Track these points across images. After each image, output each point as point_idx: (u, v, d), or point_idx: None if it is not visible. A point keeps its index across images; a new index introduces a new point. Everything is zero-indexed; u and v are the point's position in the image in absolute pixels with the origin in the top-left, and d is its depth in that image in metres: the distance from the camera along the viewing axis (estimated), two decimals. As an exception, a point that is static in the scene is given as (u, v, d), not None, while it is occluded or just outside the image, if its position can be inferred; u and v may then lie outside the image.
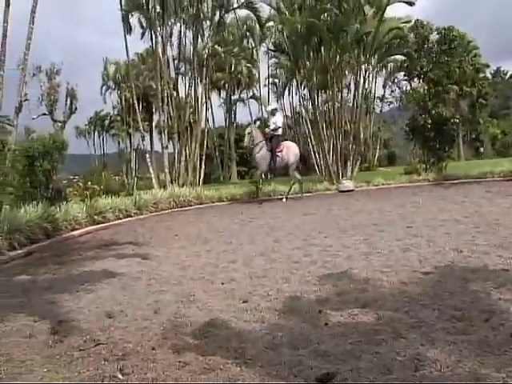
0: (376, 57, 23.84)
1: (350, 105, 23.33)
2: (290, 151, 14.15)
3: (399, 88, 37.51)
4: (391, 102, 39.21)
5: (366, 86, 23.87)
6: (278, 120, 14.19)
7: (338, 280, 4.63)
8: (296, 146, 15.00)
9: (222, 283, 4.83)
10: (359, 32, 19.36)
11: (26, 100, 8.87)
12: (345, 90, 24.60)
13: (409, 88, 25.28)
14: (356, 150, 21.09)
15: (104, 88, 46.05)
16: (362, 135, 22.26)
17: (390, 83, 38.37)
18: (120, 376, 2.75)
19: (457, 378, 2.49)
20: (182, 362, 2.89)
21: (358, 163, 21.79)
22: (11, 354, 3.16)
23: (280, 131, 14.23)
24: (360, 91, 21.44)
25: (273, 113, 14.67)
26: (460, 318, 3.33)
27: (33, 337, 3.51)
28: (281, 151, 13.82)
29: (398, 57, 28.18)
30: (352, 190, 16.29)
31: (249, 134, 13.66)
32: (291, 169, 14.38)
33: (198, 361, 2.90)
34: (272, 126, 13.95)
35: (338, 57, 20.29)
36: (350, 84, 27.97)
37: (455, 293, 3.90)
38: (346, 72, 24.52)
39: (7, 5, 8.70)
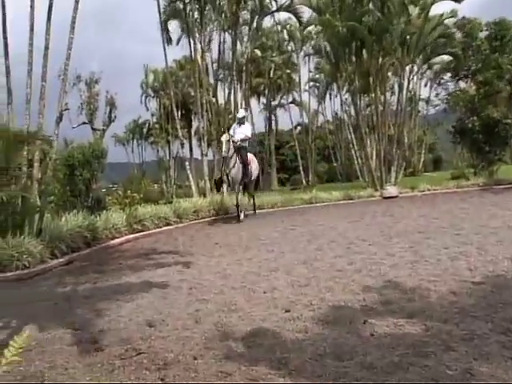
0: (421, 57, 23.40)
1: (394, 108, 22.96)
2: (253, 164, 13.13)
3: (445, 89, 36.69)
4: (437, 105, 38.31)
5: (410, 88, 23.46)
6: (247, 129, 12.90)
7: (383, 289, 4.57)
8: (256, 160, 13.78)
9: (264, 292, 4.84)
10: (403, 33, 19.05)
11: (66, 109, 9.15)
12: (388, 93, 24.25)
13: (456, 89, 24.62)
14: (400, 155, 20.70)
15: (143, 96, 47.07)
16: (406, 139, 21.83)
17: (436, 85, 37.55)
18: None
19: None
20: (224, 373, 2.91)
21: (402, 168, 21.36)
22: (54, 361, 3.26)
23: (247, 143, 12.98)
24: (404, 94, 21.06)
25: (241, 121, 12.92)
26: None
27: (75, 345, 3.60)
28: (249, 164, 12.63)
29: (445, 57, 27.54)
30: (396, 196, 16.03)
31: (228, 141, 11.89)
32: (252, 184, 13.48)
33: (240, 371, 2.92)
34: (241, 136, 12.42)
35: (380, 59, 20.03)
36: (393, 87, 27.59)
37: (510, 304, 3.77)
38: (389, 74, 24.18)
39: (49, 18, 9.06)
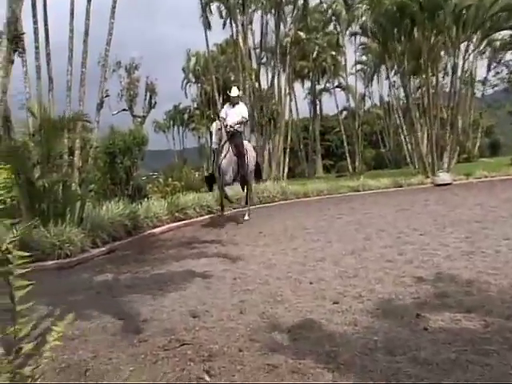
0: (478, 34, 22.42)
1: (447, 90, 22.21)
2: (250, 154, 11.02)
3: (507, 67, 35.11)
4: (495, 85, 36.80)
5: (466, 67, 22.56)
6: (243, 110, 10.74)
7: (437, 281, 4.43)
8: (252, 147, 11.66)
9: (311, 283, 4.79)
10: (458, 7, 18.27)
11: (107, 96, 9.30)
12: (440, 74, 23.46)
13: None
14: (454, 140, 20.05)
15: (185, 81, 47.43)
16: (460, 123, 21.11)
17: (495, 63, 36.07)
18: (207, 378, 2.79)
19: None
20: (270, 365, 2.88)
21: (455, 154, 20.72)
22: (98, 351, 3.32)
23: (242, 127, 10.92)
24: (458, 74, 20.31)
25: (235, 101, 10.72)
26: None
27: (118, 335, 3.66)
28: (245, 154, 10.60)
29: (507, 32, 26.30)
30: (449, 184, 15.57)
31: (219, 130, 9.90)
32: (251, 177, 11.24)
33: (287, 364, 2.88)
34: (236, 119, 10.34)
35: (432, 38, 19.37)
36: (446, 67, 26.68)
37: None
38: (442, 54, 23.37)
39: (88, 2, 9.20)
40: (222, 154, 9.90)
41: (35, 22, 9.14)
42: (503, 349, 2.87)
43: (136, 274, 5.96)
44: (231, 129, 10.17)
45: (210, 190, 11.26)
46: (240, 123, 10.49)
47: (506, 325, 3.23)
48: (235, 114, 10.44)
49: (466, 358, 2.78)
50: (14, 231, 1.66)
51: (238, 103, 10.73)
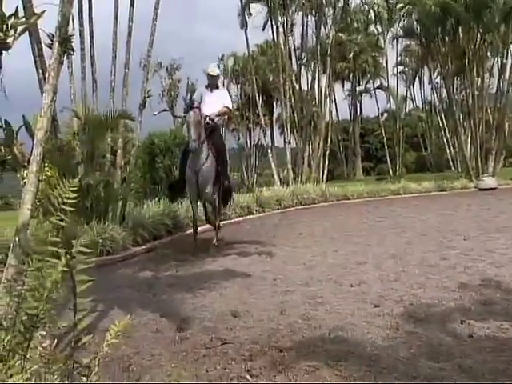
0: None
1: (493, 91, 21.56)
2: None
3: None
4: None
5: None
6: (225, 97, 7.93)
7: (482, 288, 4.32)
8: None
9: (352, 285, 4.75)
10: (507, 4, 17.68)
11: (149, 96, 9.48)
12: (486, 75, 22.80)
13: None
14: (500, 143, 19.44)
15: (222, 82, 47.74)
16: (507, 125, 20.48)
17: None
18: (248, 377, 2.80)
19: None
20: (311, 367, 2.88)
21: (501, 158, 20.09)
22: (140, 347, 3.39)
23: (222, 120, 8.38)
24: (506, 75, 19.67)
25: (214, 84, 7.79)
26: None
27: (159, 332, 3.72)
28: (227, 159, 8.37)
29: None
30: (494, 188, 15.14)
31: (199, 123, 7.08)
32: (232, 191, 8.99)
33: (328, 366, 2.87)
34: (217, 109, 7.55)
35: (478, 38, 18.85)
36: (492, 68, 25.91)
37: None
38: (488, 54, 22.71)
39: (132, 4, 9.40)
40: (202, 156, 7.11)
41: (81, 25, 9.41)
42: (553, 359, 2.78)
43: (176, 273, 6.05)
44: (211, 122, 7.41)
45: (172, 201, 8.87)
46: (222, 114, 7.85)
47: (556, 334, 3.13)
48: (215, 102, 7.61)
49: (514, 368, 2.70)
50: (89, 231, 1.74)
51: (217, 87, 7.91)
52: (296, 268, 5.77)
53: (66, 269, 1.53)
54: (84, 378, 1.56)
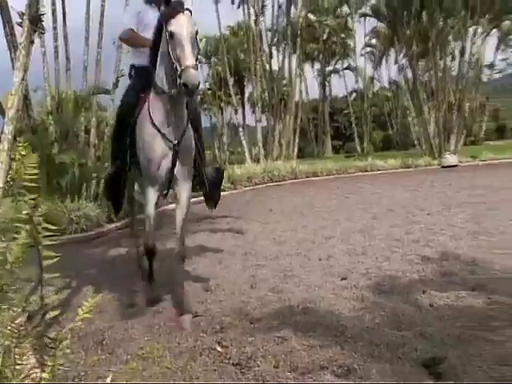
0: (487, 18, 21.91)
1: (455, 73, 21.82)
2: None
3: (514, 53, 34.37)
4: (503, 69, 36.10)
5: (474, 51, 22.13)
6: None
7: (442, 260, 4.41)
8: None
9: (320, 259, 4.79)
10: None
11: (122, 76, 9.33)
12: (448, 58, 23.02)
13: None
14: (461, 123, 19.78)
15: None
16: (467, 106, 20.81)
17: (504, 47, 35.28)
18: (219, 349, 2.80)
19: None
20: (280, 338, 2.89)
21: (462, 137, 20.46)
22: (113, 322, 3.35)
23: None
24: (466, 58, 19.94)
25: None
26: None
27: (133, 307, 3.69)
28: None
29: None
30: (456, 166, 15.43)
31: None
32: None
33: (297, 337, 2.88)
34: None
35: (441, 22, 18.98)
36: (453, 51, 26.18)
37: None
38: (450, 38, 22.89)
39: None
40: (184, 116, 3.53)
41: (53, 4, 9.10)
42: (506, 325, 2.85)
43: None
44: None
45: (116, 206, 4.75)
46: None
47: (510, 302, 3.21)
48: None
49: (470, 334, 2.77)
50: (42, 206, 1.68)
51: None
52: (266, 243, 5.79)
53: (27, 243, 1.48)
54: (53, 351, 1.52)
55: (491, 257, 4.36)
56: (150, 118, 3.48)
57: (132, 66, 4.05)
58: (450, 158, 16.10)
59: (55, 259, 1.59)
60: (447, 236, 5.40)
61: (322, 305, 3.43)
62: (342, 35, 39.32)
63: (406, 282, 3.90)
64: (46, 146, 7.80)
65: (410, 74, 22.29)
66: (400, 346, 2.68)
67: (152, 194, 3.79)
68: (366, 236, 5.78)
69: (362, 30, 37.40)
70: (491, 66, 37.27)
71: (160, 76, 3.43)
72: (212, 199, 4.40)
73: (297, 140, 23.15)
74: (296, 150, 22.92)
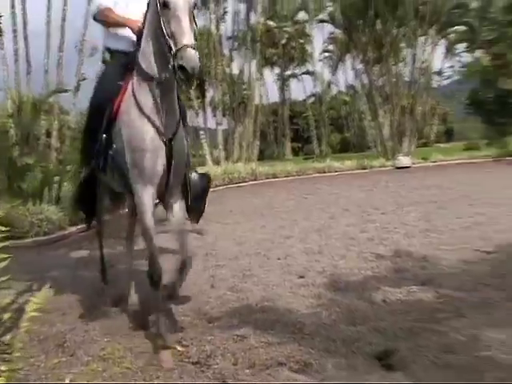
0: (435, 28, 22.69)
1: (407, 79, 22.46)
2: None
3: (459, 61, 35.69)
4: (449, 76, 37.39)
5: (424, 59, 22.85)
6: None
7: (395, 257, 4.53)
8: None
9: (278, 258, 4.83)
10: (417, 3, 18.51)
11: (83, 79, 9.16)
12: (402, 64, 23.68)
13: (470, 60, 23.94)
14: (413, 126, 20.37)
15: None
16: (419, 110, 21.45)
17: (450, 56, 36.56)
18: (179, 348, 2.80)
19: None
20: (239, 336, 2.90)
21: (415, 139, 21.06)
22: (75, 324, 3.28)
23: None
24: (417, 65, 20.58)
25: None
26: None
27: (94, 308, 3.60)
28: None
29: (460, 27, 26.69)
30: (409, 167, 15.84)
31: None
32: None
33: (255, 335, 2.91)
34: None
35: (394, 30, 19.53)
36: (406, 58, 26.93)
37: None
38: (403, 45, 23.56)
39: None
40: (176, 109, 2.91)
41: (12, 6, 8.85)
42: (452, 317, 2.97)
43: (113, 251, 5.88)
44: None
45: (89, 216, 4.16)
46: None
47: (456, 295, 3.35)
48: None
49: (420, 326, 2.86)
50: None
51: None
52: (227, 243, 5.79)
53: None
54: (6, 356, 1.49)
55: (440, 253, 4.52)
56: (137, 104, 2.78)
57: (107, 50, 3.36)
58: (404, 160, 16.52)
59: (6, 262, 1.54)
60: (400, 234, 5.56)
61: (280, 303, 3.47)
62: (301, 41, 39.77)
63: (361, 279, 3.99)
64: (6, 149, 7.59)
65: (366, 79, 22.77)
66: (355, 340, 2.75)
67: (148, 199, 2.89)
68: (323, 235, 5.87)
69: (321, 35, 37.83)
70: (440, 72, 38.53)
71: (146, 57, 2.77)
72: (196, 211, 3.48)
73: (257, 142, 23.24)
74: (256, 152, 22.99)
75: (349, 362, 2.48)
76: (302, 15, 37.17)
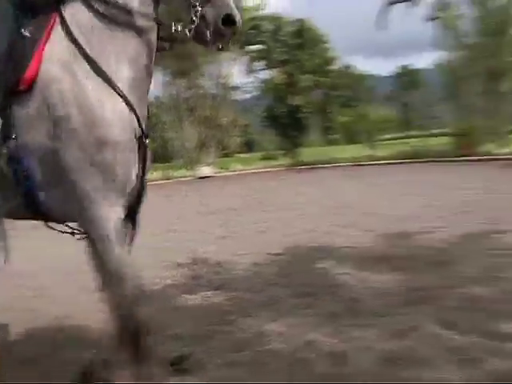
0: (235, 45, 24.10)
1: (212, 92, 23.41)
2: None
3: (257, 77, 38.49)
4: (249, 91, 40.21)
5: (226, 73, 24.11)
6: None
7: (192, 265, 4.71)
8: None
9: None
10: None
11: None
12: (206, 78, 24.59)
13: (266, 78, 26.16)
14: (216, 137, 21.34)
15: None
16: (221, 122, 22.55)
17: (249, 72, 39.17)
18: None
19: (293, 347, 2.66)
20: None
21: (217, 150, 22.05)
22: None
23: None
24: (220, 79, 21.69)
25: None
26: (309, 294, 3.56)
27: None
28: None
29: (258, 46, 28.81)
30: (210, 176, 16.49)
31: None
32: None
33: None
34: None
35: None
36: (208, 72, 28.07)
37: (305, 271, 4.19)
38: (207, 60, 24.49)
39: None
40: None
41: None
42: (241, 317, 3.22)
43: None
44: None
45: None
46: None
47: (246, 296, 3.64)
48: None
49: (214, 329, 3.03)
50: None
51: None
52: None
53: None
54: None
55: (234, 258, 4.84)
56: (92, 63, 1.73)
57: None
58: (205, 170, 17.15)
59: None
60: (197, 242, 5.74)
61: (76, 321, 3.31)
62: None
63: (163, 287, 4.06)
64: None
65: (173, 91, 23.03)
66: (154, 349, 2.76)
67: (114, 215, 1.85)
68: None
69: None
70: (241, 87, 41.11)
71: None
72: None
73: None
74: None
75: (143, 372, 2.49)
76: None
